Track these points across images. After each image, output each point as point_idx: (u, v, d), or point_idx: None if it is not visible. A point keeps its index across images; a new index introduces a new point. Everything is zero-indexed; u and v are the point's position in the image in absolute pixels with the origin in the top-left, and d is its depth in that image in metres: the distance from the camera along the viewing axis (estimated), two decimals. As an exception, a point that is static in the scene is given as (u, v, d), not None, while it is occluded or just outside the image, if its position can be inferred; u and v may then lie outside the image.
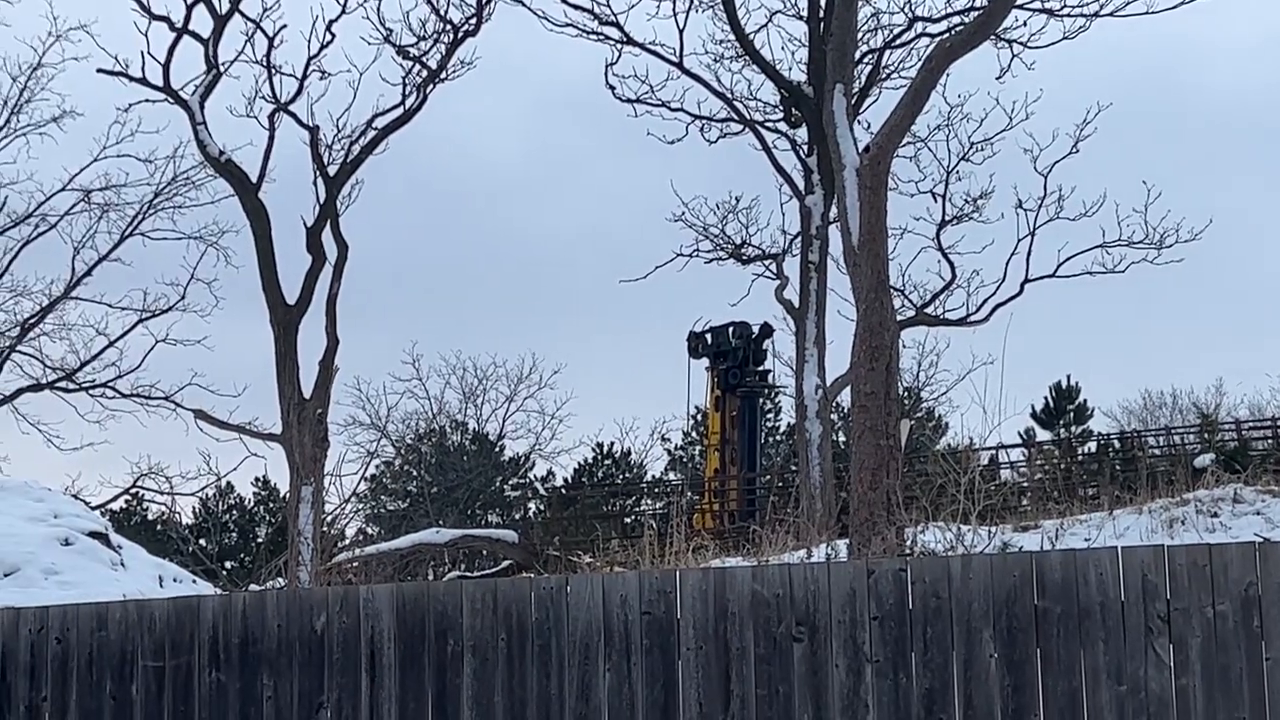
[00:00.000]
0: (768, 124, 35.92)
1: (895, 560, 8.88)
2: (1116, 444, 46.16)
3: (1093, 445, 46.51)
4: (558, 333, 77.72)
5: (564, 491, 54.74)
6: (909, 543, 17.84)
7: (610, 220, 77.85)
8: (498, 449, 57.13)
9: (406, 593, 9.28)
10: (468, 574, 33.94)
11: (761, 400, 46.79)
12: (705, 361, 42.82)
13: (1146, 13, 31.74)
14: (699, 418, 50.68)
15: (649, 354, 75.85)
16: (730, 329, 42.13)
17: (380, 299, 71.92)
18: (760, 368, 42.88)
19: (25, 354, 44.53)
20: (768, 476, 43.41)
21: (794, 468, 38.58)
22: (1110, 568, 7.86)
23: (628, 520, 46.42)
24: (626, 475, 57.19)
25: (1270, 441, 40.66)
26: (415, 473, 55.51)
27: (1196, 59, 77.66)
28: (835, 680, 8.23)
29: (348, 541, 40.22)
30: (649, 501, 52.27)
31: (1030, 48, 33.77)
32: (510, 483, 57.48)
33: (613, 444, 58.17)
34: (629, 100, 35.25)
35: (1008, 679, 7.94)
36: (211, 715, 9.56)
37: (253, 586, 27.74)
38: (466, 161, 77.77)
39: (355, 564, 31.54)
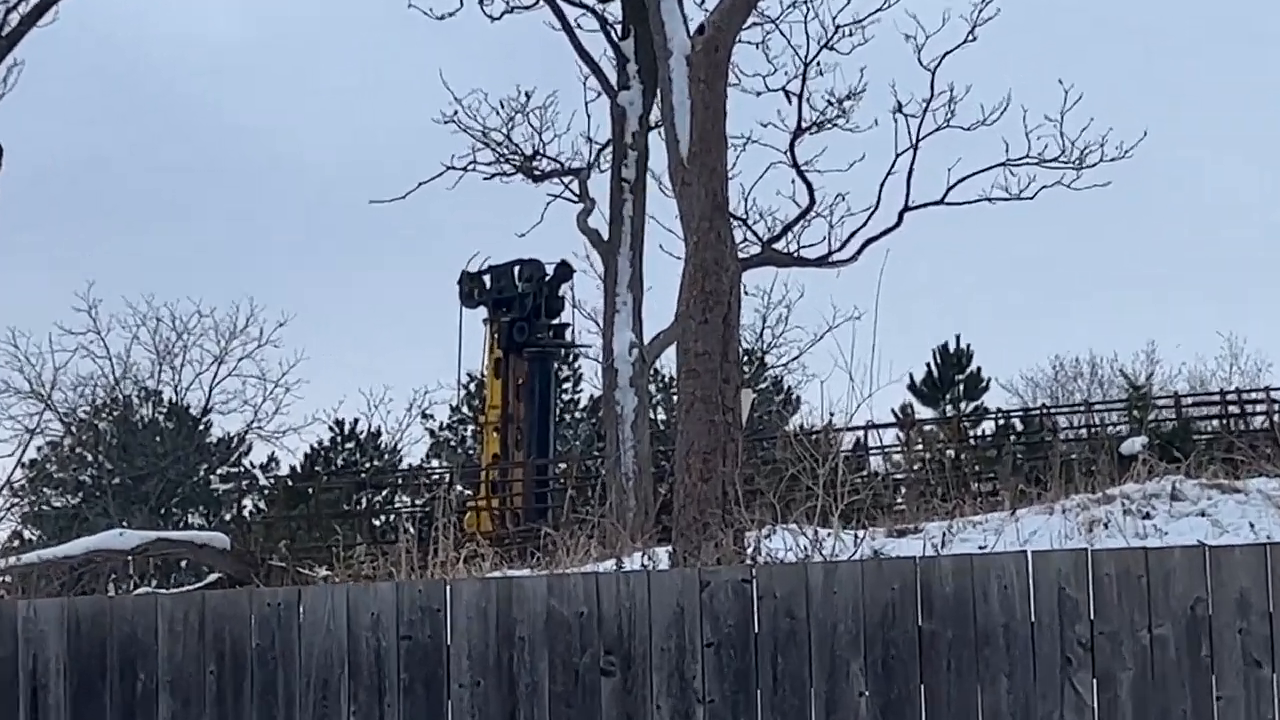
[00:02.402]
0: (570, -4, 35.90)
1: (737, 569, 8.93)
2: (1020, 425, 46.86)
3: (989, 426, 47.17)
4: (286, 272, 77.11)
5: (292, 484, 54.45)
6: (750, 550, 17.94)
7: (362, 125, 77.31)
8: (202, 427, 56.72)
9: (82, 610, 9.16)
10: (162, 590, 33.64)
11: (557, 364, 46.88)
12: (483, 311, 42.67)
13: None
14: (473, 387, 50.65)
15: (409, 301, 75.62)
16: (516, 269, 41.99)
17: (47, 223, 70.76)
18: (555, 321, 42.88)
19: None
20: (564, 464, 43.50)
21: (599, 453, 38.71)
22: (1017, 580, 7.95)
23: (378, 522, 46.32)
24: (376, 462, 57.10)
25: (1218, 421, 41.50)
26: (91, 457, 54.90)
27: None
28: (656, 726, 8.27)
29: (-1, 548, 39.68)
30: (406, 497, 52.20)
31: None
32: (219, 472, 57.12)
33: (357, 421, 58.10)
34: (385, -41, 35.05)
35: (883, 724, 8.03)
36: None
37: None
38: (172, 46, 76.63)
39: (8, 577, 31.12)
